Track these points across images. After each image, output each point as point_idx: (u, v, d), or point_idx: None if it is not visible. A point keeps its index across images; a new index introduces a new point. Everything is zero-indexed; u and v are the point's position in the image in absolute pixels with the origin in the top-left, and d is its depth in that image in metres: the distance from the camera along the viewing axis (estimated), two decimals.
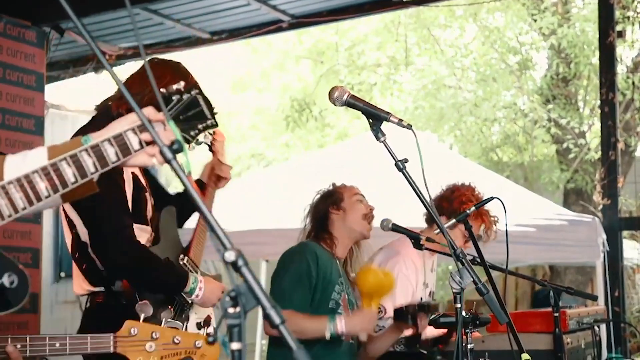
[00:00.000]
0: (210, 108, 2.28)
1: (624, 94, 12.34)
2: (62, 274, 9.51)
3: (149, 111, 2.15)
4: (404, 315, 4.05)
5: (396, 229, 3.90)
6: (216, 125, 2.30)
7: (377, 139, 2.97)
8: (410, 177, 2.93)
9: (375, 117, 2.99)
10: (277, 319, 1.66)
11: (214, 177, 3.93)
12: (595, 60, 12.41)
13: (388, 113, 2.98)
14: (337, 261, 4.26)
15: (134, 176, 3.39)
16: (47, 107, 8.19)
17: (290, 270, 4.06)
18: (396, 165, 2.95)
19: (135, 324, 2.55)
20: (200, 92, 2.29)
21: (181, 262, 3.47)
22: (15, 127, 6.96)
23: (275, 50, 18.12)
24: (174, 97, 2.18)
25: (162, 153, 1.86)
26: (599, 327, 4.94)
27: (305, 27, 10.27)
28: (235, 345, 1.70)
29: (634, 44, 13.26)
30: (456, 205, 4.52)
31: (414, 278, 4.64)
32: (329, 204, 4.27)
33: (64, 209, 3.35)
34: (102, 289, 3.32)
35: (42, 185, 2.06)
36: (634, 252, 12.77)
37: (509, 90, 15.46)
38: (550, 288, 4.02)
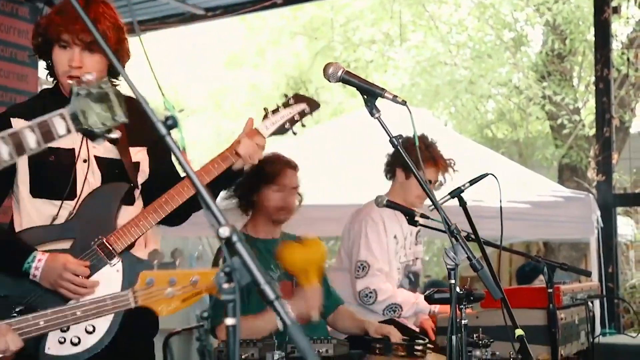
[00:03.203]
0: (121, 104, 2.12)
1: (619, 70, 12.32)
2: None
3: None
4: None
5: (390, 205, 3.91)
6: (126, 121, 2.16)
7: (372, 115, 2.96)
8: (404, 153, 2.93)
9: (370, 93, 2.97)
10: (271, 295, 1.65)
11: (230, 151, 3.25)
12: (591, 36, 12.36)
13: (383, 89, 2.96)
14: (264, 243, 4.15)
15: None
16: (41, 83, 8.16)
17: None
18: (391, 141, 2.94)
19: (150, 274, 2.56)
20: (114, 87, 2.15)
21: (94, 245, 3.04)
22: (8, 103, 6.94)
23: (270, 26, 18.04)
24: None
25: (155, 129, 1.83)
26: (592, 302, 4.96)
27: (300, 3, 10.23)
28: (229, 321, 1.70)
29: (629, 20, 13.22)
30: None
31: (389, 230, 4.77)
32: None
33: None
34: None
35: None
36: (628, 228, 12.82)
37: (504, 67, 15.42)
38: (545, 264, 4.04)
